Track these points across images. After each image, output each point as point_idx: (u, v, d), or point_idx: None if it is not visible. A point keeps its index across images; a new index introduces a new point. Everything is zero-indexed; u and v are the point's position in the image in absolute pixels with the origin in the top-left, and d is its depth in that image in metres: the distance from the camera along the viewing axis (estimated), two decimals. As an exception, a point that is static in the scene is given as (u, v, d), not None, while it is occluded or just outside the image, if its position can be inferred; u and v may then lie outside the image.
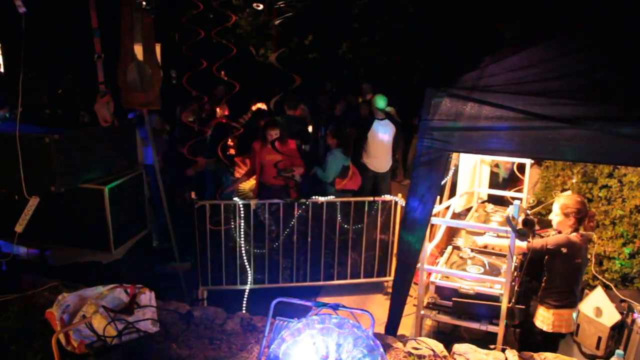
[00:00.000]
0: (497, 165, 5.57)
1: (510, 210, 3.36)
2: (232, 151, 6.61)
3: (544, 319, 3.48)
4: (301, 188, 5.59)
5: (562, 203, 3.46)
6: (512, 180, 5.46)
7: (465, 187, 4.86)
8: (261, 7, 9.89)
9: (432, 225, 3.84)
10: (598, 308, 3.84)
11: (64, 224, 3.92)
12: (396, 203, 5.21)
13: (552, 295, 3.46)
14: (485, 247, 4.21)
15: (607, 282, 4.26)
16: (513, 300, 3.50)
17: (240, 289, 5.08)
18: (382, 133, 6.58)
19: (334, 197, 5.21)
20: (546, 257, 3.47)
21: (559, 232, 3.54)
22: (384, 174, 6.76)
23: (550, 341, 3.54)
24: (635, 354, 3.65)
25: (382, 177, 6.76)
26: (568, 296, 3.45)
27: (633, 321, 3.72)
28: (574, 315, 3.55)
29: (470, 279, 3.67)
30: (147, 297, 2.85)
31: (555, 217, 3.50)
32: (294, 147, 5.71)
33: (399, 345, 2.87)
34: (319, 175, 5.78)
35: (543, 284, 3.55)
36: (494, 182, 5.54)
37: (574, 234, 3.41)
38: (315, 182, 5.99)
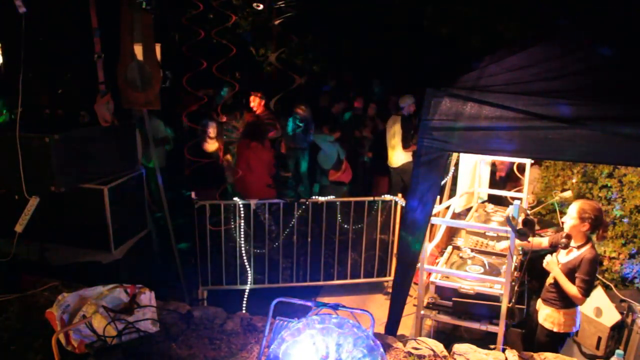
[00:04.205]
0: (494, 164, 5.57)
1: (510, 210, 3.36)
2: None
3: (554, 319, 3.46)
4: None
5: (579, 207, 3.33)
6: (512, 180, 5.46)
7: (465, 187, 4.86)
8: (261, 7, 9.87)
9: (432, 225, 3.83)
10: (598, 308, 3.84)
11: (63, 224, 3.93)
12: (396, 203, 5.21)
13: (560, 296, 3.44)
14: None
15: (607, 282, 4.26)
16: (513, 300, 3.50)
17: (240, 289, 5.08)
18: (393, 128, 6.92)
19: (333, 197, 5.21)
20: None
21: (567, 236, 3.40)
22: (399, 168, 6.97)
23: (559, 341, 3.54)
24: (635, 354, 3.65)
25: (401, 171, 6.95)
26: None
27: (633, 321, 3.72)
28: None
29: (470, 279, 3.67)
30: (147, 297, 2.85)
31: (569, 219, 3.38)
32: None
33: (399, 345, 2.87)
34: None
35: (547, 286, 3.54)
36: (493, 181, 5.54)
37: (588, 246, 3.34)
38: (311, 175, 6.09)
